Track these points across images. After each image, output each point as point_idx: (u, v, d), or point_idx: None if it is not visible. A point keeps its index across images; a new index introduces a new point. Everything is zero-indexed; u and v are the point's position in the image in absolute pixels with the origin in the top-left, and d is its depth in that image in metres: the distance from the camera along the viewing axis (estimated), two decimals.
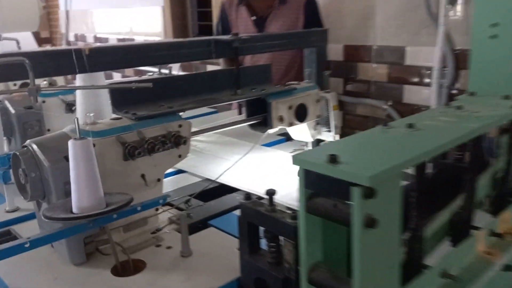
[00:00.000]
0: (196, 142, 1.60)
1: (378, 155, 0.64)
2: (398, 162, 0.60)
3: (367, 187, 0.55)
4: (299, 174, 0.64)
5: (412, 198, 0.71)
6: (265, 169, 1.38)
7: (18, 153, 0.88)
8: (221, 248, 0.94)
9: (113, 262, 0.87)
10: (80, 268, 0.90)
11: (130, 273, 0.86)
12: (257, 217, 0.74)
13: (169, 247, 0.94)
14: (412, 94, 2.08)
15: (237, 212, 1.11)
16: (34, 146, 0.88)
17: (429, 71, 1.97)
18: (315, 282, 0.65)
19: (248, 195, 0.78)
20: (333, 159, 0.59)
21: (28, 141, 0.89)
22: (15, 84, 1.76)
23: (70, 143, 0.79)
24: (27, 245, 0.75)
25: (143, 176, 0.98)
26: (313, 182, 0.62)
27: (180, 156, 1.05)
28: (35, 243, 0.76)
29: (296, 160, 0.64)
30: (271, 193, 0.74)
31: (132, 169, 0.96)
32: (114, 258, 0.86)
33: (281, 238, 0.74)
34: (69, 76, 2.20)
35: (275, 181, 1.26)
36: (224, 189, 1.27)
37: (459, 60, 1.89)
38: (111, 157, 0.92)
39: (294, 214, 0.69)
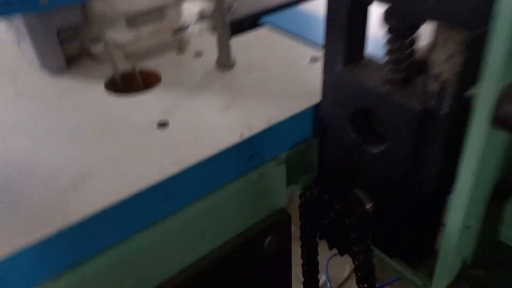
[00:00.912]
0: None
1: None
2: None
3: None
4: None
5: None
6: None
7: None
8: (282, 56, 0.57)
9: (110, 72, 0.52)
10: (59, 79, 0.57)
11: (136, 89, 0.52)
12: None
13: (198, 54, 0.60)
14: None
15: (303, 8, 0.73)
16: None
17: None
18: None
19: None
20: None
21: None
22: None
23: None
24: None
25: None
26: None
27: None
28: None
29: None
30: None
31: None
32: (111, 67, 0.51)
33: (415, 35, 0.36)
34: None
35: None
36: None
37: None
38: None
39: None
